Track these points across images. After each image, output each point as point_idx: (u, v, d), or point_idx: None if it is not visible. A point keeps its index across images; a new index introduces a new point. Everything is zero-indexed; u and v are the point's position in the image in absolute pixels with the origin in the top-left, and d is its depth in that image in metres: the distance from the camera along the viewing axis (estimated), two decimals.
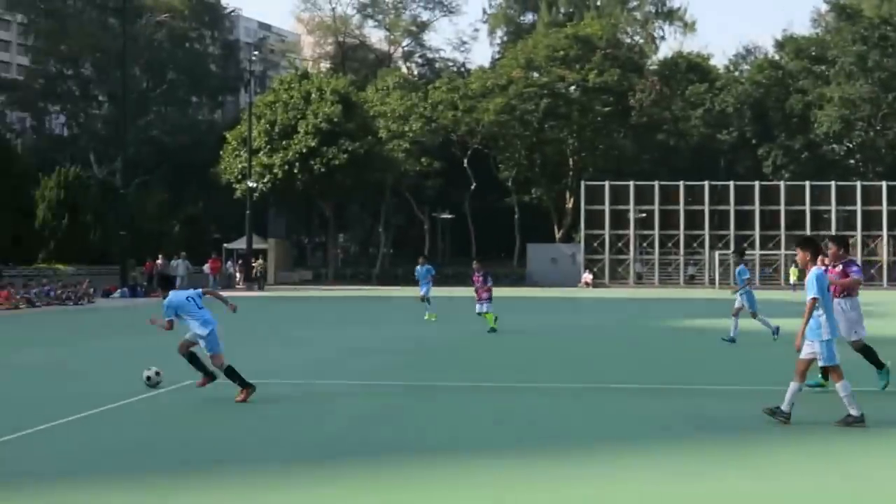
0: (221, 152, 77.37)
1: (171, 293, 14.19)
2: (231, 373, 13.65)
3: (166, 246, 64.55)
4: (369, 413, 12.82)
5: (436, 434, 11.36)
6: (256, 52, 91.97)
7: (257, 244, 74.21)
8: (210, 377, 13.99)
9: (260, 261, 69.80)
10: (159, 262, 55.27)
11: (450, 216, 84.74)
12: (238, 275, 68.88)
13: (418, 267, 33.49)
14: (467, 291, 60.32)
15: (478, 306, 26.51)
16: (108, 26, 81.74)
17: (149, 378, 14.68)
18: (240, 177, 73.71)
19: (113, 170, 78.79)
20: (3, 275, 43.18)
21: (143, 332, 27.42)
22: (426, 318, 30.57)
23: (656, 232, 74.31)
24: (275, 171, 73.58)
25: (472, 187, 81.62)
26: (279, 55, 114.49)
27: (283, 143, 74.02)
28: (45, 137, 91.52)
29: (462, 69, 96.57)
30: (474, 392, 14.80)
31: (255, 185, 70.93)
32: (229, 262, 72.01)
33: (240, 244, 74.89)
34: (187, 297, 14.11)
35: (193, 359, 14.06)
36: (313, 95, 75.53)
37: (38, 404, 13.40)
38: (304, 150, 72.90)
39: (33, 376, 16.72)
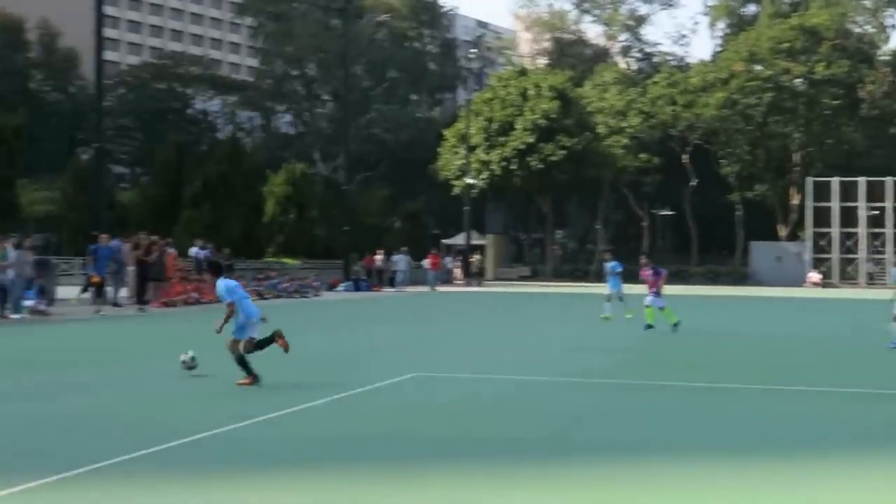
0: (440, 149, 78.38)
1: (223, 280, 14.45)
2: (241, 361, 14.08)
3: (387, 241, 65.92)
4: (589, 411, 12.68)
5: (658, 434, 11.13)
6: (474, 50, 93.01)
7: (476, 240, 74.92)
8: (254, 377, 14.13)
9: (478, 256, 70.41)
10: (378, 256, 56.43)
11: (669, 213, 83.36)
12: (457, 270, 69.68)
13: (605, 263, 32.50)
14: (686, 290, 59.36)
15: (648, 299, 25.73)
16: (331, 27, 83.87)
17: (184, 362, 15.10)
18: (458, 173, 74.51)
19: (336, 167, 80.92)
20: (235, 268, 44.83)
21: (364, 324, 28.10)
22: (603, 316, 29.04)
23: (890, 230, 71.09)
24: (492, 167, 74.04)
25: (693, 183, 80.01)
26: (496, 52, 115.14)
27: (501, 139, 74.40)
28: (273, 136, 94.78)
29: (681, 63, 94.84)
30: (692, 392, 14.46)
31: (473, 181, 71.59)
32: (448, 258, 72.88)
33: (458, 240, 75.79)
34: (236, 286, 14.54)
35: (255, 350, 14.34)
36: (530, 92, 75.61)
37: (266, 392, 13.80)
38: (522, 147, 73.08)
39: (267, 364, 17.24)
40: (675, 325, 24.64)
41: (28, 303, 28.62)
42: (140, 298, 33.39)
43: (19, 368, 16.31)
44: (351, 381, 14.77)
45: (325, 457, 9.64)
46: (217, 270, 14.95)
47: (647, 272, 25.99)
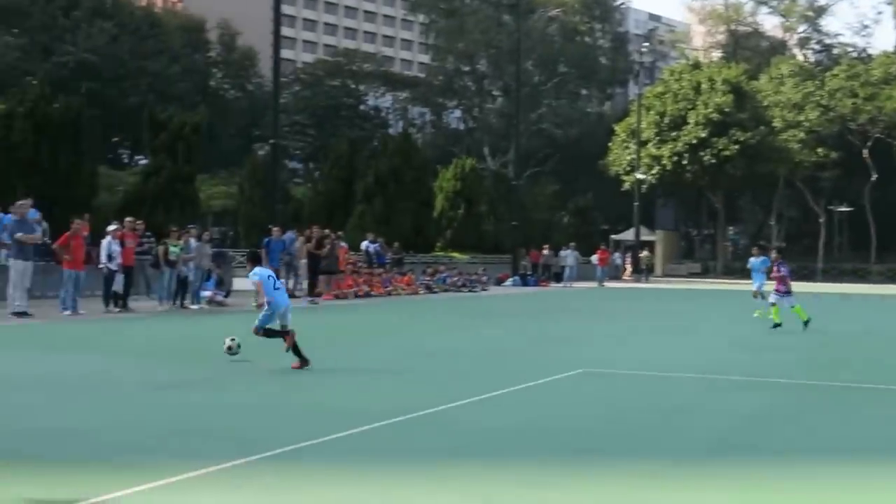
0: (610, 144, 77.86)
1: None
2: (267, 333, 14.89)
3: (556, 236, 65.81)
4: (761, 412, 12.44)
5: (835, 437, 10.86)
6: (646, 44, 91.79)
7: (645, 236, 74.19)
8: (305, 361, 14.60)
9: (646, 252, 69.71)
10: (545, 252, 56.37)
11: (848, 209, 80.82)
12: (626, 266, 69.12)
13: (752, 259, 31.79)
14: (865, 289, 57.51)
15: (773, 297, 24.86)
16: (503, 23, 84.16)
17: (230, 348, 15.42)
18: (628, 168, 73.90)
19: (506, 162, 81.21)
20: (405, 262, 45.52)
21: (532, 319, 28.16)
22: (756, 314, 28.10)
23: None
24: (663, 162, 73.18)
25: (873, 179, 77.36)
26: (669, 46, 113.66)
27: (672, 134, 73.46)
28: (443, 131, 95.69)
29: (862, 55, 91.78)
30: (873, 394, 14.04)
31: (643, 176, 70.89)
32: (617, 253, 72.35)
33: (627, 235, 75.18)
34: (269, 276, 15.12)
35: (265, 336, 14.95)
36: (704, 86, 74.41)
37: (434, 385, 13.98)
38: (694, 142, 72.01)
39: (437, 357, 17.46)
40: (806, 322, 23.98)
41: (206, 293, 29.65)
42: (311, 291, 34.19)
43: (198, 356, 16.92)
44: (519, 375, 14.83)
45: (490, 450, 9.69)
46: (254, 259, 15.73)
47: (779, 270, 25.23)
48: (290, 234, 36.06)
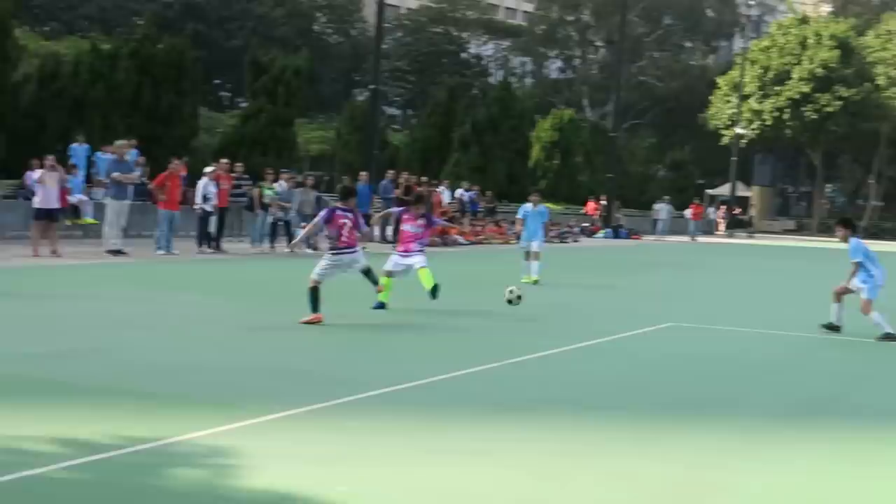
0: (711, 98, 76.82)
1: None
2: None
3: (651, 189, 65.32)
4: (856, 372, 12.48)
5: None
6: None
7: (741, 191, 73.28)
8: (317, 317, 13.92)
9: (738, 209, 69.29)
10: (603, 202, 54.91)
11: None
12: (720, 221, 68.47)
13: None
14: None
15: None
16: None
17: (510, 301, 15.79)
18: (729, 123, 72.91)
19: (605, 113, 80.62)
20: (498, 211, 45.68)
21: (623, 272, 28.19)
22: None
23: None
24: (764, 117, 72.06)
25: None
26: None
27: (776, 89, 72.22)
28: (543, 81, 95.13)
29: None
30: None
31: (743, 131, 69.88)
32: (711, 208, 71.66)
33: (723, 190, 74.34)
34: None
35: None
36: (810, 40, 72.91)
37: (523, 336, 14.24)
38: (797, 97, 70.74)
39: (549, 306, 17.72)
40: None
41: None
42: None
43: (289, 299, 17.38)
44: (607, 327, 15.03)
45: (574, 401, 9.93)
46: (346, 194, 15.43)
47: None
48: (385, 182, 36.39)
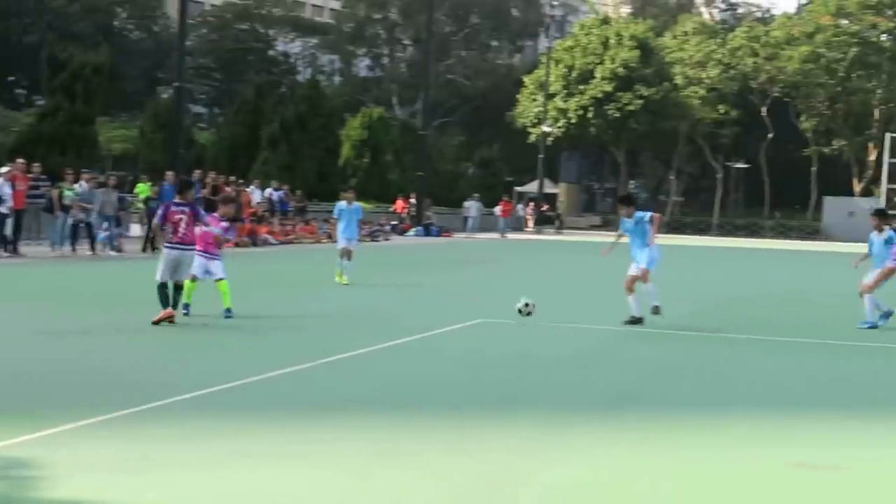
0: (518, 96, 78.22)
1: None
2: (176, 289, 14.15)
3: (461, 187, 66.04)
4: (656, 363, 12.81)
5: (711, 389, 11.30)
6: None
7: (549, 188, 74.86)
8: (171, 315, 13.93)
9: (546, 205, 70.78)
10: (412, 201, 55.56)
11: (744, 166, 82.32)
12: (528, 218, 69.79)
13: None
14: (759, 243, 58.83)
15: None
16: None
17: (520, 311, 15.76)
18: (535, 121, 74.38)
19: (414, 112, 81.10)
20: (308, 210, 45.40)
21: (434, 269, 28.39)
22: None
23: None
24: (569, 115, 73.81)
25: (769, 137, 78.92)
26: (580, 0, 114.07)
27: (580, 87, 74.06)
28: (352, 79, 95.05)
29: (766, 15, 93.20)
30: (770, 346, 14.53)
31: (549, 129, 71.39)
32: (520, 205, 73.00)
33: (531, 188, 75.81)
34: None
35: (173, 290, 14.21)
36: (612, 41, 75.08)
37: (333, 335, 14.14)
38: (600, 96, 72.72)
39: (342, 307, 17.59)
40: None
41: (103, 235, 28.83)
42: None
43: (95, 303, 16.81)
44: (418, 325, 15.05)
45: (385, 400, 9.89)
46: (183, 188, 15.21)
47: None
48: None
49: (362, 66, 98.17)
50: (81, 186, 28.72)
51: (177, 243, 14.25)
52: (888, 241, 16.77)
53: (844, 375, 12.40)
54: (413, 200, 55.04)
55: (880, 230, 17.13)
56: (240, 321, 14.68)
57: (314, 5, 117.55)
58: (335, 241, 22.60)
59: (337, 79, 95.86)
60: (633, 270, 16.08)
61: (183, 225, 14.19)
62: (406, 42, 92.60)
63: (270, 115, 56.83)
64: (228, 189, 34.52)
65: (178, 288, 14.37)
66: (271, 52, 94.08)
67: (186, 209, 14.31)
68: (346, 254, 21.66)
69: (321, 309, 15.81)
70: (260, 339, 13.51)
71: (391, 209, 55.58)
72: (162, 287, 13.98)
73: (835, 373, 12.64)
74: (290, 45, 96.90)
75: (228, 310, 14.98)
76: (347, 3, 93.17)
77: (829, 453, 8.29)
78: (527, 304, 15.80)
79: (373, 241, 43.57)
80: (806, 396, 10.94)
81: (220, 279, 15.21)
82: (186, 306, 15.03)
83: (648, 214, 16.39)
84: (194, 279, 15.02)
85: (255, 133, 56.19)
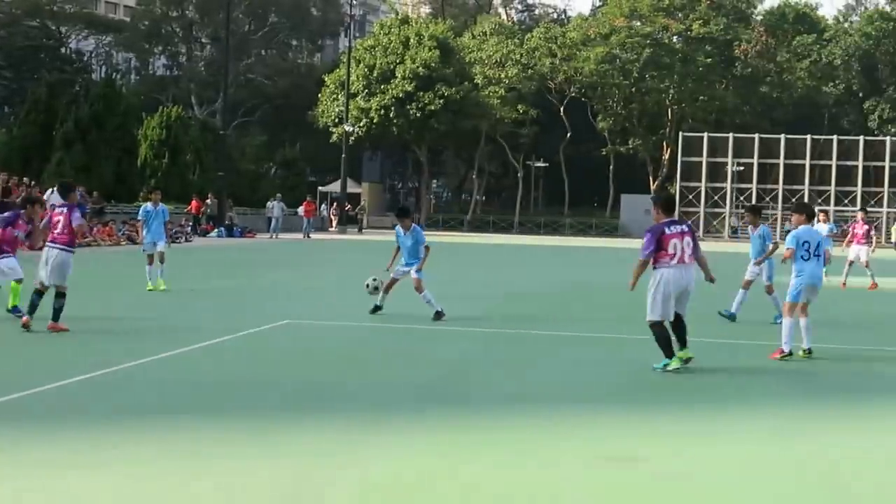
0: (319, 96, 78.00)
1: None
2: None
3: (263, 188, 65.39)
4: (455, 359, 13.03)
5: (509, 386, 11.58)
6: None
7: (352, 188, 74.95)
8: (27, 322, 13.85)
9: (362, 204, 70.99)
10: (208, 201, 55.11)
11: (544, 165, 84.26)
12: (332, 218, 69.73)
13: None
14: (559, 241, 60.35)
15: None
16: None
17: (367, 285, 16.73)
18: (337, 120, 74.31)
19: (213, 111, 79.93)
20: (106, 212, 44.23)
21: (237, 270, 28.08)
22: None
23: (754, 186, 73.35)
24: (371, 115, 74.02)
25: (568, 136, 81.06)
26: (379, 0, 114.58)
27: (381, 87, 74.37)
28: (149, 78, 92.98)
29: (563, 16, 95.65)
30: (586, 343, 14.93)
31: (351, 128, 71.44)
32: (324, 205, 72.85)
33: (334, 187, 75.72)
34: None
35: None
36: (412, 40, 75.62)
37: (136, 339, 13.87)
38: (401, 95, 73.17)
39: (131, 311, 17.24)
40: None
41: None
42: None
43: None
44: (223, 327, 14.90)
45: (193, 404, 9.79)
46: (64, 190, 15.27)
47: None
48: None
49: (159, 64, 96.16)
50: None
51: (50, 242, 14.19)
52: (762, 237, 17.74)
53: (630, 367, 12.64)
54: (209, 200, 54.26)
55: (756, 226, 17.97)
56: (37, 325, 14.20)
57: (108, 2, 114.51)
58: (139, 244, 22.07)
59: (133, 77, 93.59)
60: (398, 275, 17.18)
61: (60, 227, 14.13)
62: (204, 41, 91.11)
63: (65, 115, 54.95)
64: (20, 189, 33.37)
65: None
66: (64, 50, 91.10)
67: (65, 210, 14.27)
68: (160, 256, 21.12)
69: (128, 314, 15.45)
70: (58, 345, 13.12)
71: (186, 209, 54.64)
72: (37, 292, 14.04)
73: (620, 364, 12.95)
74: (83, 43, 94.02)
75: (15, 308, 14.83)
76: (142, 1, 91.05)
77: (629, 446, 8.60)
78: (374, 279, 16.73)
79: (174, 242, 42.73)
80: (596, 389, 11.31)
81: (17, 280, 15.07)
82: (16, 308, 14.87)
83: (425, 242, 17.34)
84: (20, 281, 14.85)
85: (48, 133, 54.24)
